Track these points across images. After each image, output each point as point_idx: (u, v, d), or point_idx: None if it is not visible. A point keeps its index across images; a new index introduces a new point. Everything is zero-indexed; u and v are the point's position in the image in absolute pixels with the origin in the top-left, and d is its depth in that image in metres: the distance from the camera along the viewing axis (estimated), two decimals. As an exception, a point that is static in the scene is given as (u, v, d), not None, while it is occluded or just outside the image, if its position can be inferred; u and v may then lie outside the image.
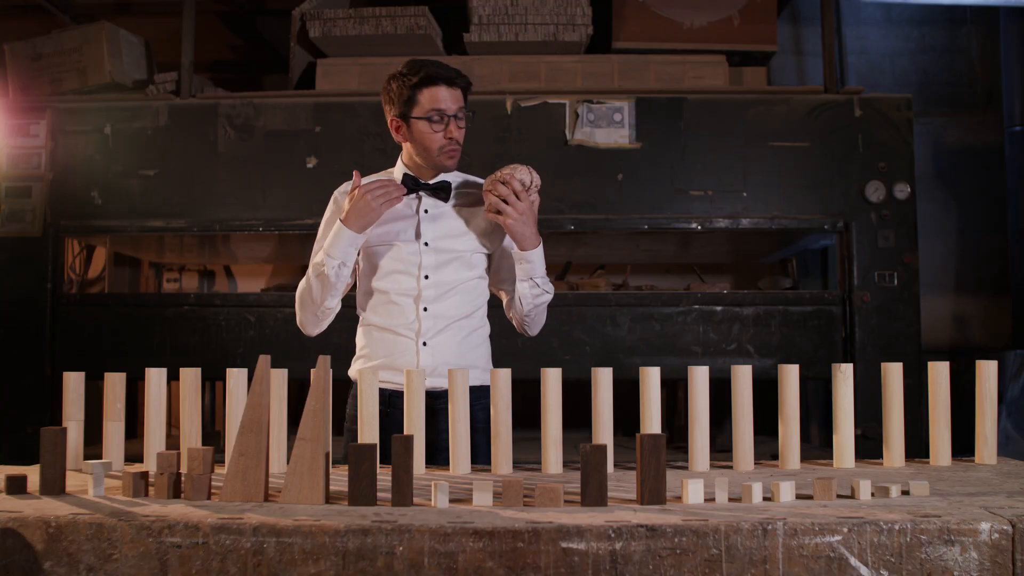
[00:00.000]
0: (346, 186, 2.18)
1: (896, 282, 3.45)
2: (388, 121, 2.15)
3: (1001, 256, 4.51)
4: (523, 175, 2.02)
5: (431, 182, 2.13)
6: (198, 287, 4.64)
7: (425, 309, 2.08)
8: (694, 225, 3.50)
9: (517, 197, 2.00)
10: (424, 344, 2.07)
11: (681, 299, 3.50)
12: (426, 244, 2.09)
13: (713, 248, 4.16)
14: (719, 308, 3.48)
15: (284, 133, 3.56)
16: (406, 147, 2.15)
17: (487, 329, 2.19)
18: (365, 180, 2.17)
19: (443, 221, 2.12)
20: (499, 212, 2.00)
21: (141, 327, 3.51)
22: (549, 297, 2.14)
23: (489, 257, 2.19)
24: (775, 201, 3.51)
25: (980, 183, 4.59)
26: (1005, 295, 4.47)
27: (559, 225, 3.49)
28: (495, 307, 2.22)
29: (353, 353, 2.20)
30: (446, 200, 2.12)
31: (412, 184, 2.11)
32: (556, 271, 4.31)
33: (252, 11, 4.64)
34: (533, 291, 2.10)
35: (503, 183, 2.00)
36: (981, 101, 4.65)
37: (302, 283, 2.13)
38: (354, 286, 2.20)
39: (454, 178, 2.17)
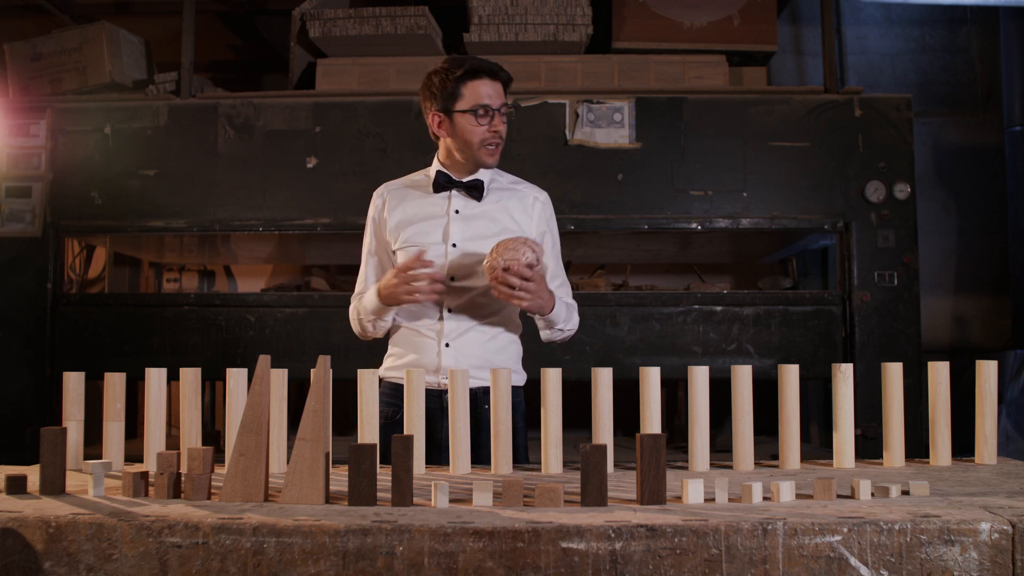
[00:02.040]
0: (384, 187, 2.19)
1: (896, 282, 3.45)
2: (428, 117, 2.11)
3: (1001, 256, 4.51)
4: (527, 257, 1.90)
5: (465, 180, 2.11)
6: (198, 287, 4.64)
7: (449, 311, 2.07)
8: (694, 225, 3.50)
9: (526, 278, 1.91)
10: (447, 345, 2.06)
11: (681, 299, 3.50)
12: (454, 246, 2.07)
13: (713, 248, 4.16)
14: (719, 308, 3.48)
15: (284, 133, 3.56)
16: (444, 143, 2.12)
17: (517, 330, 2.17)
18: (402, 180, 2.19)
19: (473, 222, 2.09)
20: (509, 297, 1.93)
21: (141, 327, 3.51)
22: (573, 332, 2.17)
23: None
24: (775, 201, 3.51)
25: (980, 183, 4.59)
26: (1005, 295, 4.47)
27: (559, 225, 3.49)
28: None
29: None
30: (479, 199, 2.10)
31: (445, 181, 2.11)
32: (556, 271, 4.31)
33: (252, 11, 4.64)
34: (555, 334, 2.13)
35: (505, 270, 1.89)
36: (981, 101, 4.65)
37: (353, 304, 2.16)
38: None
39: (491, 176, 2.15)
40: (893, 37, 4.68)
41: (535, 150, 3.53)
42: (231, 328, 3.49)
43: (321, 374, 1.44)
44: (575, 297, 3.48)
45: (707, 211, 3.51)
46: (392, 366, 2.13)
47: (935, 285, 4.52)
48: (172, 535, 1.23)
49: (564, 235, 3.63)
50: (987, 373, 1.80)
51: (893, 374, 1.77)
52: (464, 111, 2.03)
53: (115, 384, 1.75)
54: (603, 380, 1.71)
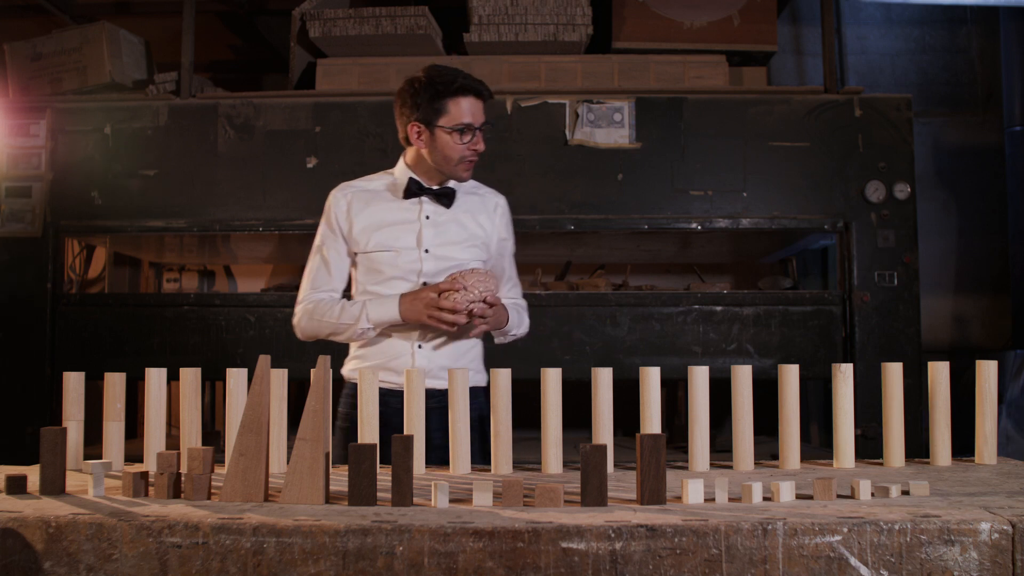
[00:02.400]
0: (346, 188, 2.20)
1: (896, 282, 3.45)
2: (405, 125, 2.11)
3: (1001, 256, 4.51)
4: (485, 284, 2.02)
5: (435, 187, 2.13)
6: (198, 287, 4.64)
7: None
8: (694, 225, 3.50)
9: (492, 304, 2.05)
10: (419, 347, 2.11)
11: (681, 299, 3.50)
12: (426, 251, 2.11)
13: (713, 248, 4.16)
14: (719, 308, 3.48)
15: (284, 133, 3.56)
16: (416, 151, 2.13)
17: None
18: (362, 182, 2.20)
19: (444, 228, 2.13)
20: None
21: (141, 327, 3.51)
22: (525, 332, 2.27)
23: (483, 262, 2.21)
24: (775, 201, 3.51)
25: (980, 183, 4.59)
26: (1005, 295, 4.47)
27: (559, 225, 3.49)
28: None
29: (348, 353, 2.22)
30: (448, 207, 2.13)
31: (416, 188, 2.13)
32: (556, 271, 4.31)
33: (252, 11, 4.64)
34: (508, 339, 2.23)
35: (479, 302, 2.02)
36: (981, 101, 4.65)
37: (314, 306, 2.14)
38: (349, 287, 2.24)
39: (456, 183, 2.17)
40: (893, 37, 4.68)
41: (535, 150, 3.53)
42: (231, 328, 3.49)
43: (321, 374, 1.44)
44: (575, 298, 3.51)
45: (707, 211, 3.51)
46: (360, 368, 2.13)
47: (935, 285, 4.52)
48: (172, 535, 1.23)
49: (564, 235, 3.64)
50: (987, 373, 1.80)
51: (893, 374, 1.77)
52: (447, 127, 2.05)
53: (115, 384, 1.75)
54: (603, 380, 1.71)
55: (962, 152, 4.62)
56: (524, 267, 4.37)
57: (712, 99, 3.56)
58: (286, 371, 1.74)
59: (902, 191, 3.47)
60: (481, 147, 2.09)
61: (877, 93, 3.76)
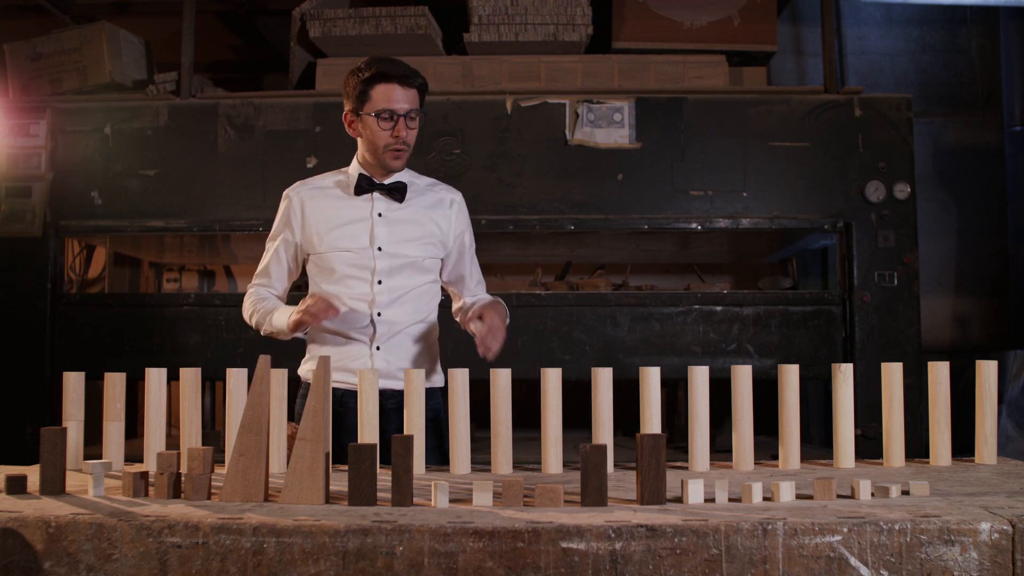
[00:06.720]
0: (299, 187, 2.21)
1: (896, 282, 3.45)
2: (344, 115, 2.15)
3: (1001, 256, 4.51)
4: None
5: (386, 182, 2.13)
6: (198, 287, 4.63)
7: (379, 315, 2.10)
8: (694, 225, 3.50)
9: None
10: (378, 348, 2.11)
11: (681, 299, 3.49)
12: (380, 249, 2.10)
13: (713, 248, 4.16)
14: (719, 308, 3.47)
15: (284, 133, 3.56)
16: (359, 143, 2.15)
17: (437, 332, 2.22)
18: (315, 180, 2.22)
19: (397, 225, 2.12)
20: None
21: (141, 327, 3.51)
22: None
23: (442, 260, 2.21)
24: (775, 201, 3.51)
25: (980, 183, 4.59)
26: (1005, 295, 4.47)
27: (559, 225, 3.49)
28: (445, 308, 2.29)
29: None
30: (401, 201, 2.13)
31: (367, 184, 2.13)
32: (556, 271, 4.31)
33: (252, 11, 4.63)
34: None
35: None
36: (981, 101, 4.65)
37: (255, 294, 2.20)
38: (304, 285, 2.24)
39: (409, 179, 2.17)
40: (893, 37, 4.68)
41: (535, 150, 3.53)
42: (231, 328, 3.49)
43: (321, 374, 1.44)
44: (575, 298, 3.51)
45: (707, 211, 3.51)
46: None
47: (935, 285, 4.52)
48: (172, 535, 1.23)
49: (564, 235, 3.64)
50: (987, 373, 1.80)
51: (893, 374, 1.77)
52: (370, 114, 2.05)
53: (115, 384, 1.75)
54: (603, 380, 1.71)
55: (962, 152, 4.62)
56: (524, 267, 4.40)
57: (712, 99, 3.56)
58: (286, 371, 1.74)
59: (902, 191, 3.47)
60: (405, 134, 2.05)
61: (877, 93, 3.76)
